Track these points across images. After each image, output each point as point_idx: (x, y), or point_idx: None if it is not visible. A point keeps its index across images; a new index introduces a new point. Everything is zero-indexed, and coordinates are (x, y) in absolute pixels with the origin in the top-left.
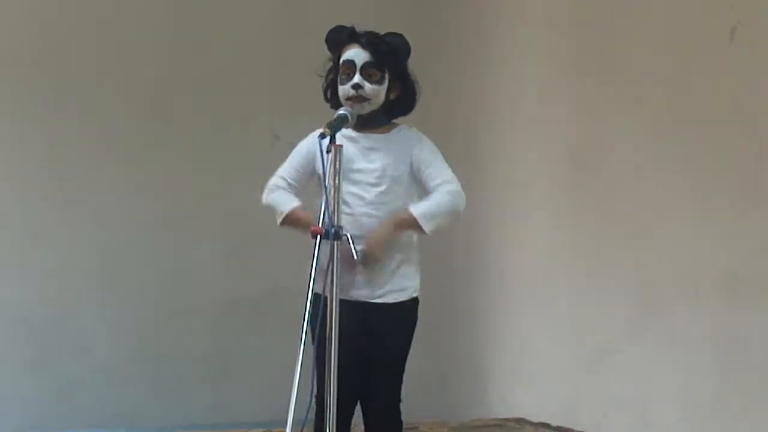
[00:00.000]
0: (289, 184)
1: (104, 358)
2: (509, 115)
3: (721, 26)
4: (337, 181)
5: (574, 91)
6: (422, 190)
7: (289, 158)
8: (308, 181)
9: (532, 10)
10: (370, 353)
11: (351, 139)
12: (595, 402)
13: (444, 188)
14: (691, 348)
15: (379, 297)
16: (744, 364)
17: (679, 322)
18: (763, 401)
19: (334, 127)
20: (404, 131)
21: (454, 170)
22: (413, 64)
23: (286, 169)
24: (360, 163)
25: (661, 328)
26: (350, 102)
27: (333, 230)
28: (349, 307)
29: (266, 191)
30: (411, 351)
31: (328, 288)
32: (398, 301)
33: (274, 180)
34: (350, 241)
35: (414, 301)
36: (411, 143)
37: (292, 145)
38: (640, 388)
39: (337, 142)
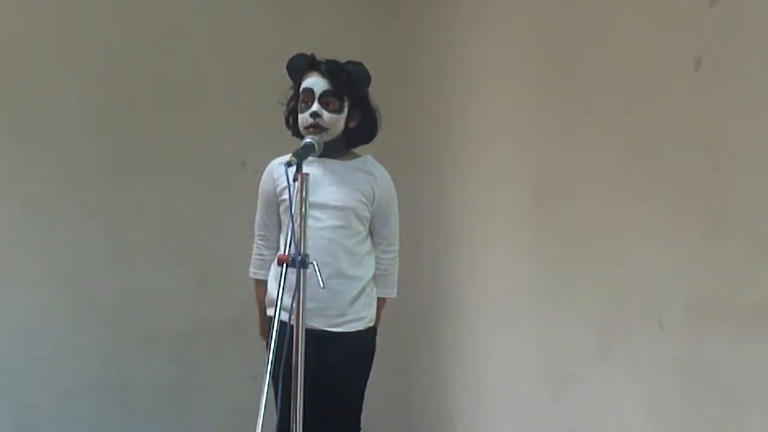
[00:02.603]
0: (267, 241)
1: (67, 385)
2: (474, 145)
3: (686, 56)
4: (303, 210)
5: (538, 123)
6: (370, 227)
7: (258, 207)
8: (279, 211)
9: (499, 42)
10: (328, 381)
11: (310, 164)
12: (559, 430)
13: (392, 253)
14: (656, 376)
15: (339, 326)
16: (710, 394)
17: (643, 351)
18: (727, 427)
19: (301, 155)
20: (369, 163)
21: (416, 203)
22: (374, 92)
23: (260, 225)
24: (321, 189)
25: (626, 356)
26: (308, 130)
27: (299, 258)
28: (308, 336)
29: (252, 264)
30: (374, 381)
31: (291, 316)
32: (356, 330)
33: (255, 251)
34: (317, 270)
35: (372, 331)
36: (375, 181)
37: (256, 173)
38: (605, 416)
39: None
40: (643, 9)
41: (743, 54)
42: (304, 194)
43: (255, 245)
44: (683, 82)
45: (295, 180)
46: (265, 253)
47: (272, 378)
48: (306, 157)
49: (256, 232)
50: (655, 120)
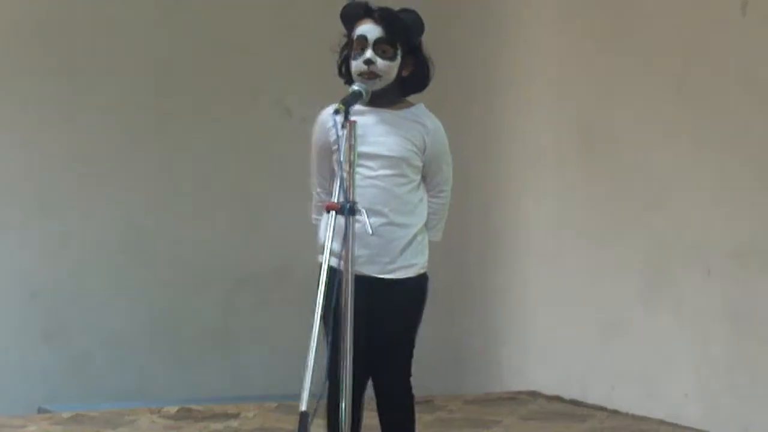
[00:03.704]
0: (325, 189)
1: (118, 331)
2: (523, 92)
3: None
4: (352, 157)
5: (586, 66)
6: (422, 175)
7: (312, 157)
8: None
9: None
10: (379, 328)
11: (362, 114)
12: (606, 375)
13: (443, 199)
14: (703, 321)
15: (391, 272)
16: (755, 337)
17: (690, 295)
18: None
19: (348, 102)
20: (421, 113)
21: (468, 152)
22: (427, 41)
23: (316, 174)
24: (372, 138)
25: (673, 301)
26: (362, 77)
27: (348, 206)
28: (360, 283)
29: (313, 210)
30: (425, 326)
31: (340, 262)
32: (409, 276)
33: (315, 198)
34: (365, 216)
35: (422, 277)
36: (426, 131)
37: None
38: (651, 361)
39: (352, 117)
40: None
41: None
42: (352, 141)
43: (315, 192)
44: (730, 25)
45: (343, 127)
46: (326, 199)
47: (323, 322)
48: (353, 104)
49: (314, 181)
50: (703, 65)
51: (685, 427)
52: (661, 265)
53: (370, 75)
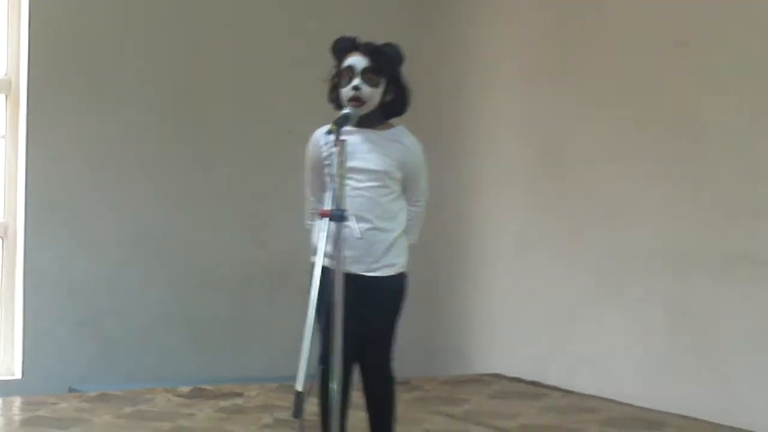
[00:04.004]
0: (317, 198)
1: (141, 320)
2: (491, 116)
3: (673, 38)
4: (342, 171)
5: (547, 97)
6: (402, 187)
7: (306, 170)
8: (324, 173)
9: (514, 29)
10: (365, 319)
11: (350, 134)
12: (562, 360)
13: (419, 207)
14: (645, 314)
15: (374, 271)
16: (689, 328)
17: (634, 293)
18: (705, 356)
19: (340, 124)
20: (401, 134)
21: (442, 166)
22: (406, 71)
23: (309, 185)
24: (359, 155)
25: (620, 297)
26: (350, 102)
27: (339, 213)
28: (348, 280)
29: (307, 217)
30: (405, 317)
31: (332, 262)
32: (390, 274)
33: (308, 206)
34: (353, 222)
35: (402, 275)
36: (405, 149)
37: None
38: (600, 348)
39: (342, 137)
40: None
41: (723, 38)
42: (342, 158)
43: (307, 200)
44: (672, 63)
45: (335, 145)
46: (317, 206)
47: (316, 314)
48: (344, 125)
49: (307, 191)
50: (648, 97)
51: (628, 405)
52: (609, 267)
53: (357, 100)
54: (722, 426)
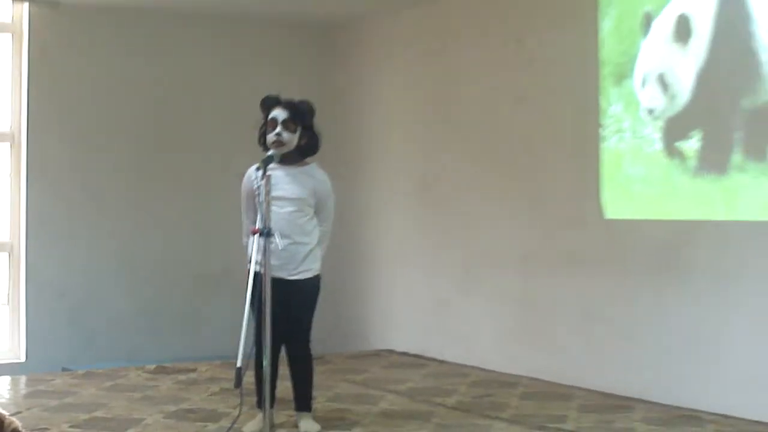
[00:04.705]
0: (251, 221)
1: (116, 315)
2: (382, 153)
3: (514, 95)
4: (268, 199)
5: (422, 138)
6: (315, 210)
7: (242, 199)
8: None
9: (397, 81)
10: (288, 312)
11: (274, 169)
12: (438, 338)
13: (327, 227)
14: (501, 302)
15: (294, 275)
16: (534, 313)
17: (492, 285)
18: (544, 332)
19: (265, 162)
20: (313, 169)
21: (345, 191)
22: (318, 120)
23: (244, 210)
24: (281, 186)
25: (481, 289)
26: (274, 146)
27: (266, 230)
28: (275, 283)
29: (243, 235)
30: (319, 309)
31: (262, 268)
32: (307, 277)
33: (244, 226)
34: (277, 237)
35: (317, 278)
36: (316, 182)
37: (239, 174)
38: (467, 328)
39: (268, 173)
40: (488, 65)
41: (550, 94)
42: (268, 188)
43: (243, 222)
44: (514, 110)
45: (262, 179)
46: (251, 226)
47: (251, 307)
48: (269, 163)
49: (243, 215)
50: (497, 139)
51: (490, 370)
52: (471, 266)
53: (279, 144)
54: (559, 384)
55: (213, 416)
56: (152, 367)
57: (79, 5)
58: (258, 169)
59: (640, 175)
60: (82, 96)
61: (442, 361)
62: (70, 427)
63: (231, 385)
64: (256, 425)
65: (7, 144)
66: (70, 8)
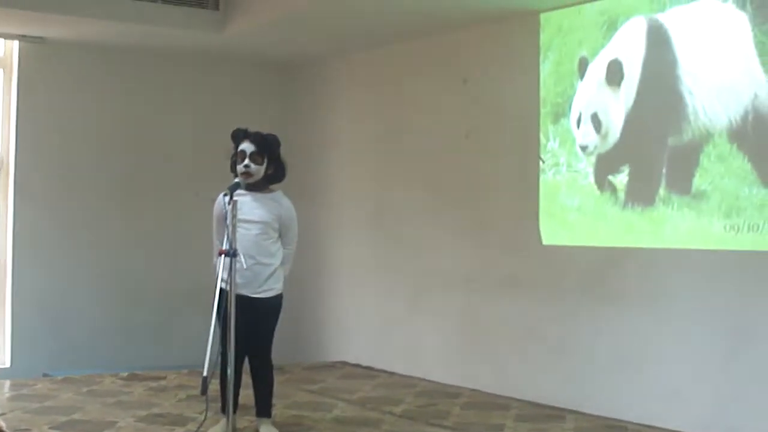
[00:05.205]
0: (221, 243)
1: (93, 326)
2: (339, 181)
3: (461, 130)
4: (235, 222)
5: (376, 170)
6: (279, 234)
7: (213, 223)
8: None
9: (353, 116)
10: (252, 327)
11: (242, 195)
12: (387, 351)
13: (290, 249)
14: (444, 319)
15: (258, 293)
16: (476, 330)
17: (437, 303)
18: (485, 346)
19: (232, 189)
20: (279, 196)
21: (308, 216)
22: (283, 151)
23: (215, 233)
24: (248, 210)
25: (427, 307)
26: (242, 176)
27: (231, 251)
28: (240, 300)
29: (213, 255)
30: (281, 324)
31: (228, 286)
32: (269, 296)
33: (214, 247)
34: (241, 257)
35: (279, 296)
36: (282, 208)
37: (209, 199)
38: (413, 342)
39: (235, 198)
40: (436, 103)
41: (493, 130)
42: (235, 212)
43: (214, 244)
44: (461, 145)
45: (229, 204)
46: (220, 247)
47: (218, 321)
48: (235, 191)
49: (214, 237)
50: (447, 167)
51: (435, 382)
52: (419, 286)
53: (247, 175)
54: (498, 395)
55: (180, 420)
56: (125, 374)
57: (62, 41)
58: (225, 195)
59: (575, 206)
60: (66, 124)
61: (391, 373)
62: (50, 428)
63: (197, 392)
64: (219, 429)
65: None
66: (54, 44)
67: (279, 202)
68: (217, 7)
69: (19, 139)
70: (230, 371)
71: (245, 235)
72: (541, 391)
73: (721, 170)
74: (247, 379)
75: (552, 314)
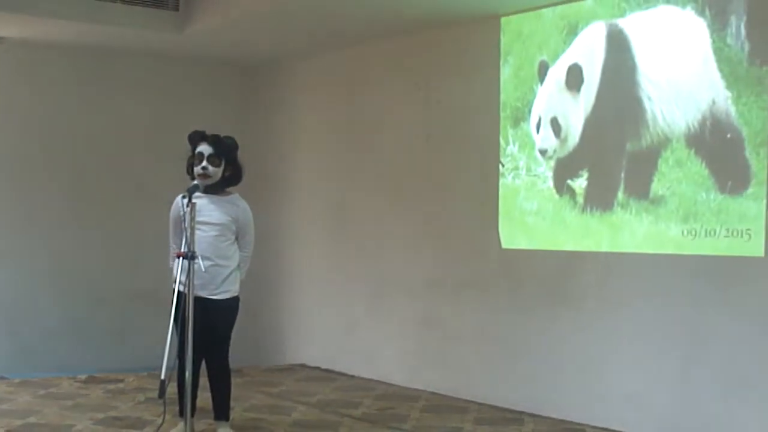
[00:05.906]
0: (177, 245)
1: (50, 328)
2: (299, 183)
3: (423, 133)
4: (192, 224)
5: (337, 172)
6: (236, 236)
7: (170, 225)
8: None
9: (314, 117)
10: (209, 328)
11: (200, 198)
12: (347, 354)
13: (247, 252)
14: (404, 321)
15: (215, 295)
16: (435, 333)
17: (398, 308)
18: (445, 350)
19: (190, 192)
20: (236, 199)
21: (267, 218)
22: (241, 153)
23: (172, 236)
24: (205, 212)
25: (387, 311)
26: (200, 177)
27: (190, 253)
28: (197, 301)
29: (170, 259)
30: (238, 326)
31: (185, 288)
32: (226, 297)
33: (171, 249)
34: (200, 260)
35: (235, 298)
36: (238, 210)
37: (166, 201)
38: (373, 346)
39: (193, 201)
40: (396, 105)
41: (454, 134)
42: (193, 215)
43: (171, 248)
44: (421, 148)
45: (187, 206)
46: (177, 250)
47: (175, 324)
48: (193, 193)
49: (170, 239)
50: (407, 170)
51: (395, 385)
52: (377, 288)
53: (204, 177)
54: (456, 398)
55: (138, 423)
56: (83, 377)
57: (20, 40)
58: (184, 197)
59: (534, 209)
60: (23, 123)
61: (350, 376)
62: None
63: (155, 394)
64: None
65: None
66: (14, 44)
67: (236, 204)
68: (176, 8)
69: None
70: (188, 374)
71: (202, 237)
72: (500, 394)
73: (679, 175)
74: (205, 381)
75: (511, 318)
